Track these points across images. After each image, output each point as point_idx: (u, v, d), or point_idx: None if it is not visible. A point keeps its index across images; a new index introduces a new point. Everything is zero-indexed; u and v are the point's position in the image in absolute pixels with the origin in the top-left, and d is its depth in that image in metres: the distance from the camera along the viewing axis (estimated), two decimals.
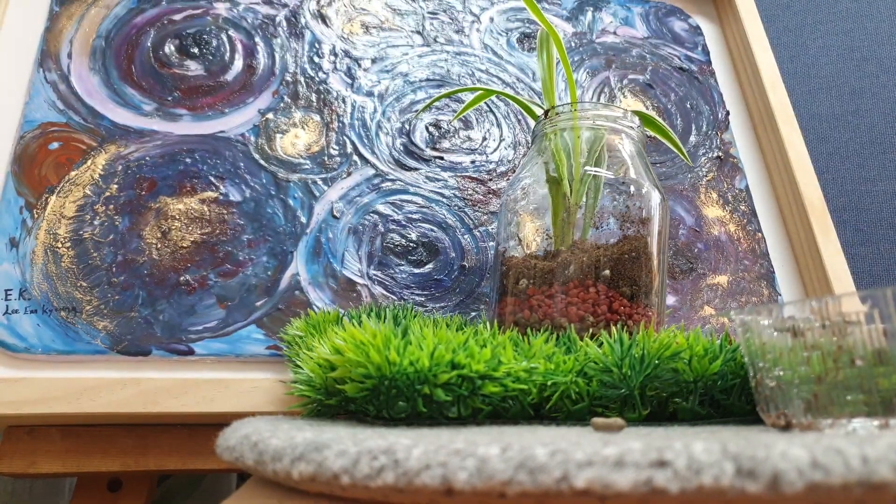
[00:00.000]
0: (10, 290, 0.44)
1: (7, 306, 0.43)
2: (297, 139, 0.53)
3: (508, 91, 0.60)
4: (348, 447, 0.20)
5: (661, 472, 0.16)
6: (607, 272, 0.40)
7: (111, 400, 0.41)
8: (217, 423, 0.32)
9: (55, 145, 0.48)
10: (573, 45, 0.65)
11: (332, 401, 0.32)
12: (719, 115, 0.65)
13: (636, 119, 0.44)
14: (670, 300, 0.54)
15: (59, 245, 0.45)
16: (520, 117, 0.59)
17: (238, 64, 0.55)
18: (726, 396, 0.32)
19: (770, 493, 0.15)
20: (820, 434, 0.20)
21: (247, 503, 0.24)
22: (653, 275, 0.41)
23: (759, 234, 0.60)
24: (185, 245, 0.47)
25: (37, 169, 0.47)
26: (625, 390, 0.31)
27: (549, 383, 0.31)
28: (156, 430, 0.44)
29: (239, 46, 0.56)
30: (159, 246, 0.47)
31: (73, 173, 0.48)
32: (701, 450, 0.17)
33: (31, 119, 0.49)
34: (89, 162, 0.48)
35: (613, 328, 0.37)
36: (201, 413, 0.41)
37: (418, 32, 0.61)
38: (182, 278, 0.46)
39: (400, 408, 0.28)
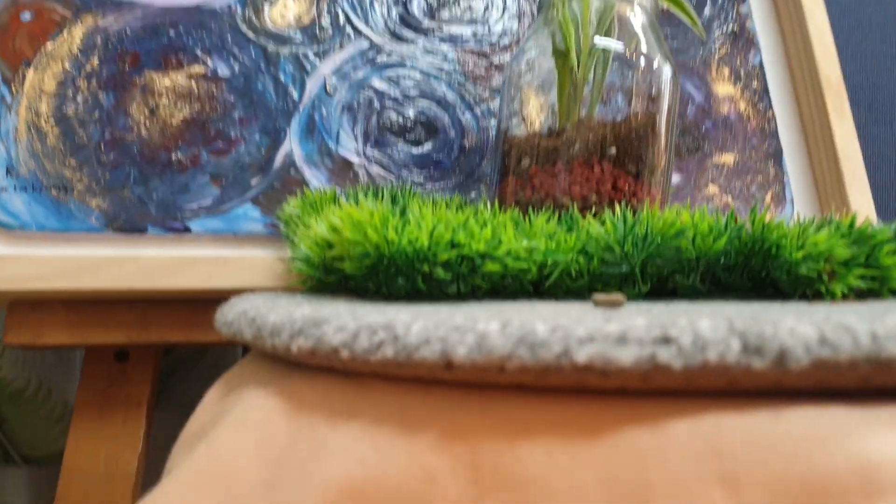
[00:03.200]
0: None
1: None
2: (286, 10, 0.50)
3: None
4: (347, 322, 0.20)
5: (664, 348, 0.16)
6: (613, 150, 0.38)
7: (110, 277, 0.41)
8: (217, 298, 0.32)
9: (27, 15, 0.45)
10: None
11: (331, 278, 0.31)
12: None
13: None
14: (675, 179, 0.53)
15: (43, 122, 0.44)
16: None
17: None
18: (728, 274, 0.32)
19: (775, 369, 0.15)
20: (830, 310, 0.20)
21: (248, 374, 0.24)
22: (660, 153, 0.40)
23: (770, 112, 0.58)
24: (174, 122, 0.46)
25: (10, 41, 0.45)
26: (626, 268, 0.31)
27: (549, 261, 0.31)
28: (157, 305, 0.44)
29: None
30: (148, 124, 0.45)
31: (49, 46, 0.45)
32: (707, 326, 0.16)
33: None
34: (65, 34, 0.46)
35: (617, 207, 0.36)
36: (200, 289, 0.42)
37: None
38: (174, 156, 0.45)
39: (399, 286, 0.28)
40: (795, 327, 0.16)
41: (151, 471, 0.44)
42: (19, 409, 0.56)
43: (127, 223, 0.43)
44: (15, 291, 0.40)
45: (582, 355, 0.16)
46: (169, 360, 0.62)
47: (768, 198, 0.55)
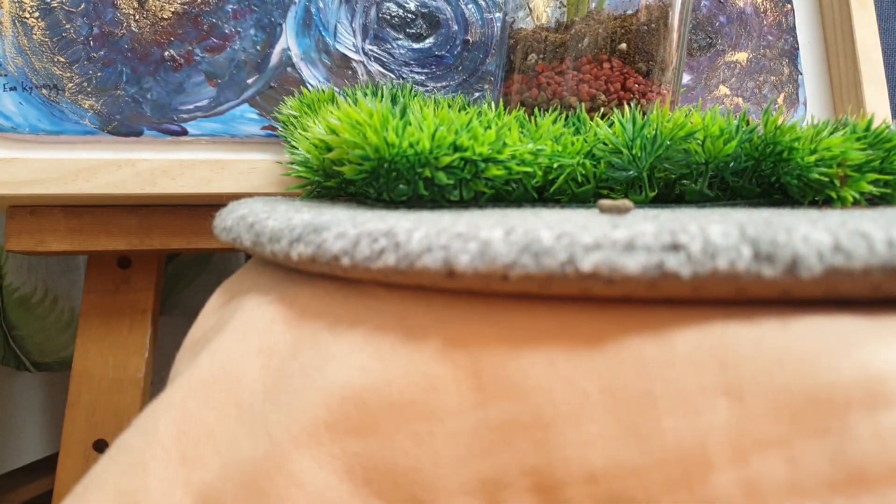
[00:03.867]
0: None
1: None
2: None
3: None
4: (347, 229, 0.19)
5: (673, 255, 0.16)
6: (623, 46, 0.37)
7: (108, 181, 0.40)
8: (217, 203, 0.32)
9: None
10: None
11: (331, 182, 0.31)
12: None
13: None
14: (685, 79, 0.51)
15: (28, 15, 0.42)
16: None
17: None
18: (737, 178, 0.31)
19: (786, 277, 0.15)
20: (844, 216, 0.19)
21: (249, 281, 0.24)
22: (671, 50, 0.38)
23: (789, 6, 0.55)
24: (165, 16, 0.44)
25: None
26: (633, 172, 0.30)
27: (555, 166, 0.30)
28: (157, 210, 0.44)
29: None
30: (137, 17, 0.43)
31: None
32: (718, 233, 0.16)
33: None
34: None
35: (626, 107, 0.35)
36: (199, 194, 0.41)
37: None
38: (167, 53, 0.43)
39: (400, 191, 0.27)
40: (809, 234, 0.15)
41: (159, 376, 0.45)
42: (27, 315, 0.56)
43: (122, 125, 0.42)
44: (11, 196, 0.40)
45: (587, 263, 0.16)
46: (173, 267, 0.62)
47: (780, 99, 0.53)
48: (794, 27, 0.54)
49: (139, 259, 0.47)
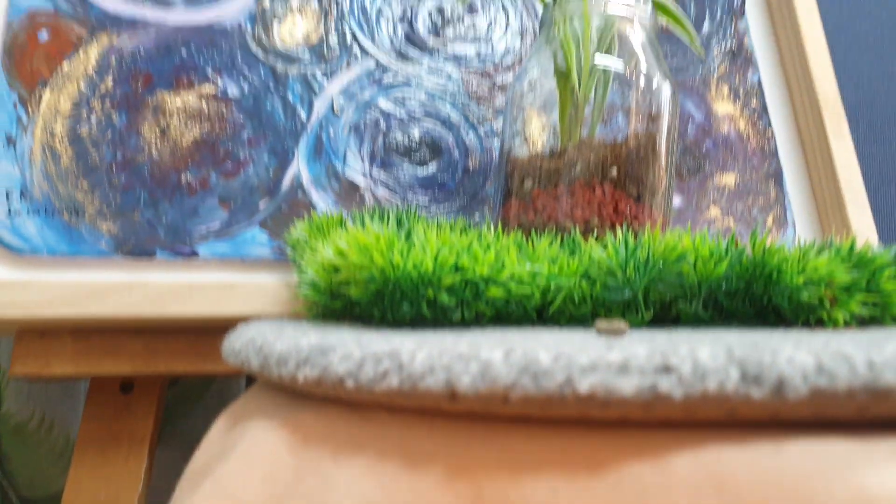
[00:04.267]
0: (11, 190, 0.43)
1: (9, 207, 0.43)
2: (294, 27, 0.51)
3: None
4: (353, 351, 0.20)
5: (665, 378, 0.16)
6: (614, 171, 0.39)
7: (119, 303, 0.41)
8: (224, 326, 0.32)
9: (44, 35, 0.46)
10: None
11: (337, 304, 0.32)
12: (735, 1, 0.62)
13: (649, 5, 0.42)
14: (676, 201, 0.54)
15: (57, 143, 0.45)
16: (527, 2, 0.56)
17: None
18: (730, 300, 0.32)
19: (774, 398, 0.15)
20: (829, 338, 0.20)
21: (253, 406, 0.24)
22: (660, 174, 0.40)
23: (770, 131, 0.58)
24: (184, 143, 0.46)
25: (28, 62, 0.46)
26: (628, 293, 0.31)
27: (552, 286, 0.31)
28: (164, 333, 0.44)
29: None
30: (159, 144, 0.46)
31: (65, 66, 0.46)
32: (706, 355, 0.16)
33: (18, 6, 0.46)
34: (81, 54, 0.47)
35: (619, 230, 0.36)
36: (208, 317, 0.42)
37: None
38: (183, 178, 0.46)
39: (404, 311, 0.28)
40: (794, 355, 0.16)
41: None
42: (21, 445, 0.55)
43: (136, 247, 0.44)
44: (24, 319, 0.40)
45: (584, 384, 0.17)
46: (171, 395, 0.62)
47: (770, 220, 0.55)
48: (777, 151, 0.57)
49: (142, 384, 0.47)
